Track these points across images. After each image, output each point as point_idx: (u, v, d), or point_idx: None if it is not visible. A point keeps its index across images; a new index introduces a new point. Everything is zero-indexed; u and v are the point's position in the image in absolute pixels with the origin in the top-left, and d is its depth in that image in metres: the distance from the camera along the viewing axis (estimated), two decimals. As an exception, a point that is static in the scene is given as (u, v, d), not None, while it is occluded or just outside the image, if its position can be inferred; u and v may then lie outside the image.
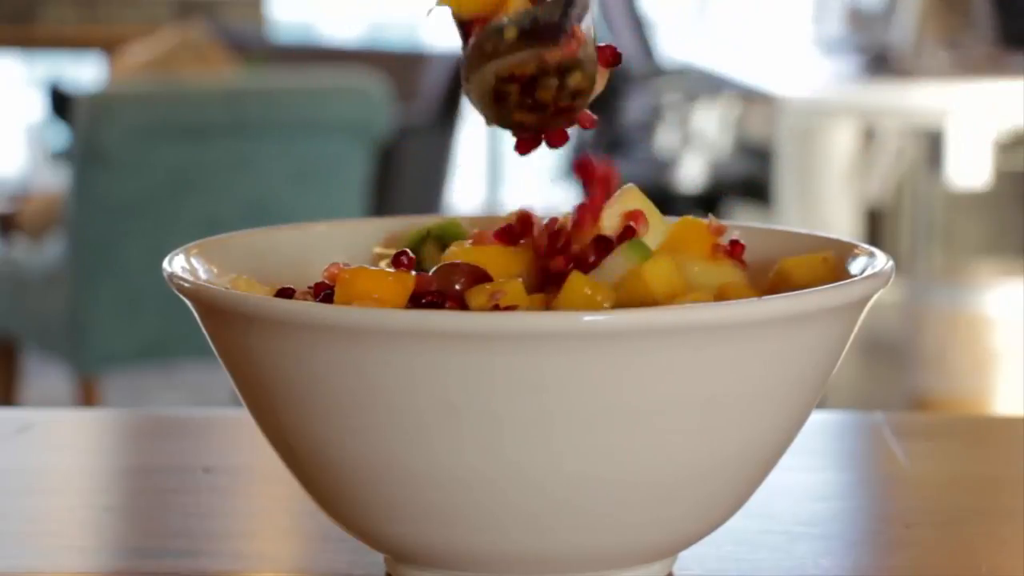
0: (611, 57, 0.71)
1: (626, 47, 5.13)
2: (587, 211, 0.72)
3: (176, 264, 0.72)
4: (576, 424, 0.63)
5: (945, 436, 1.03)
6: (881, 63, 4.22)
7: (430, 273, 0.70)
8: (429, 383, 0.63)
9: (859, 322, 0.70)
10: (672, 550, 0.71)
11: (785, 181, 3.99)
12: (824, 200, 4.06)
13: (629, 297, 0.68)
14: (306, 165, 3.29)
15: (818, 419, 0.95)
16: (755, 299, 0.66)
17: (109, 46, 5.05)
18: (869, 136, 4.40)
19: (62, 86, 4.26)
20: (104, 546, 0.84)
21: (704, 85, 4.86)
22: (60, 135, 4.53)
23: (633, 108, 5.14)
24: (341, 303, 0.68)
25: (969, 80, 3.82)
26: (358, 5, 6.73)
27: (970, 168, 3.71)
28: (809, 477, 0.90)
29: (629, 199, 0.73)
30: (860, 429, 1.04)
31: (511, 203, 6.25)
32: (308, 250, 0.80)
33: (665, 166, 5.10)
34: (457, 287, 0.69)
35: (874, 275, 0.69)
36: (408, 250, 0.73)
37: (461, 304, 0.68)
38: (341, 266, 0.71)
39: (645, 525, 0.67)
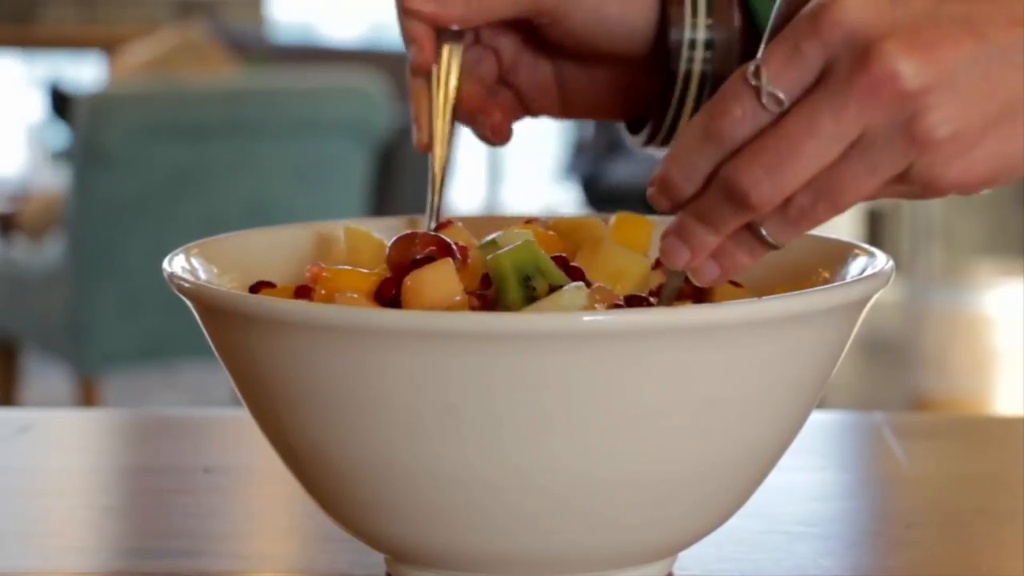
0: None
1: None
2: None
3: (176, 264, 0.72)
4: (576, 424, 0.63)
5: (945, 436, 1.03)
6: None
7: (388, 245, 0.70)
8: (429, 383, 0.63)
9: (859, 323, 0.70)
10: (672, 550, 0.71)
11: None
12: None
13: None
14: (306, 165, 3.30)
15: (818, 419, 0.96)
16: (755, 300, 0.66)
17: (109, 46, 5.06)
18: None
19: (62, 86, 4.26)
20: (104, 546, 0.84)
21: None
22: (60, 135, 4.53)
23: (633, 108, 5.13)
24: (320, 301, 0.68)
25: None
26: (358, 5, 6.74)
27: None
28: (809, 477, 0.90)
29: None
30: (860, 429, 1.04)
31: (511, 203, 6.24)
32: (307, 250, 0.80)
33: (665, 166, 5.09)
34: (418, 257, 0.69)
35: (874, 275, 0.69)
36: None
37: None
38: (322, 266, 0.71)
39: (645, 525, 0.67)
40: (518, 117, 0.87)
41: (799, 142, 0.60)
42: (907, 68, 0.59)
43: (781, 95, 0.61)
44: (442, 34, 0.81)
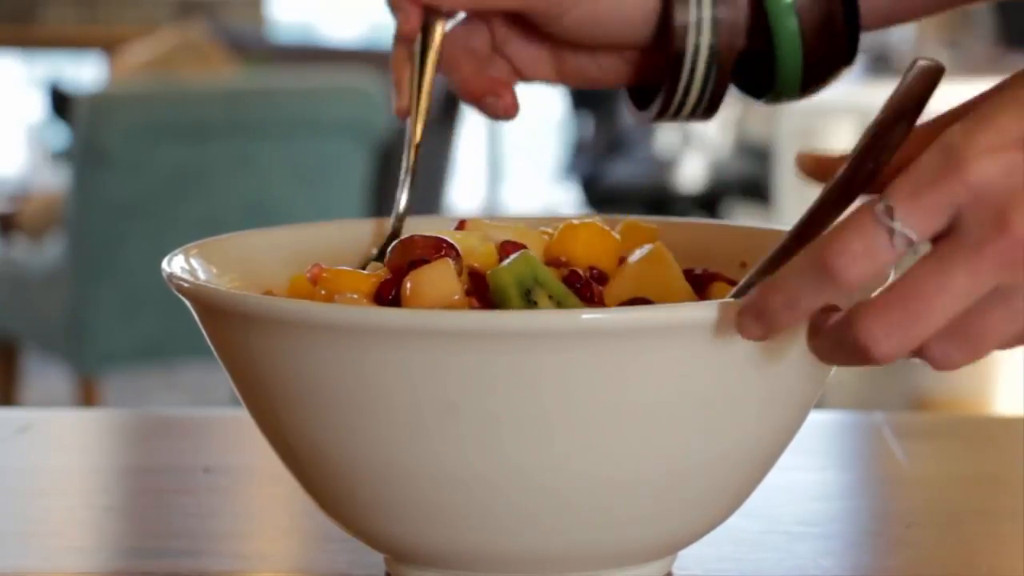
0: None
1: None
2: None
3: (176, 264, 0.72)
4: (575, 423, 0.63)
5: (945, 436, 1.03)
6: (881, 63, 4.22)
7: (389, 250, 0.71)
8: (429, 382, 0.63)
9: (859, 322, 0.69)
10: (671, 549, 0.71)
11: (785, 181, 3.99)
12: (824, 200, 4.05)
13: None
14: (306, 165, 3.30)
15: (818, 419, 0.96)
16: (755, 299, 0.66)
17: (109, 46, 5.06)
18: (869, 136, 4.39)
19: (62, 86, 4.26)
20: (104, 546, 0.84)
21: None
22: (60, 135, 4.53)
23: (633, 108, 5.13)
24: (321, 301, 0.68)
25: (969, 80, 3.82)
26: (358, 5, 6.74)
27: (970, 168, 3.69)
28: (809, 477, 0.90)
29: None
30: (860, 429, 1.04)
31: (511, 203, 6.24)
32: (308, 250, 0.80)
33: (665, 166, 5.10)
34: (418, 259, 0.69)
35: (874, 275, 0.69)
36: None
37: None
38: (322, 266, 0.71)
39: (644, 524, 0.67)
40: (514, 83, 0.86)
41: (930, 297, 0.58)
42: None
43: (914, 237, 0.58)
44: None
